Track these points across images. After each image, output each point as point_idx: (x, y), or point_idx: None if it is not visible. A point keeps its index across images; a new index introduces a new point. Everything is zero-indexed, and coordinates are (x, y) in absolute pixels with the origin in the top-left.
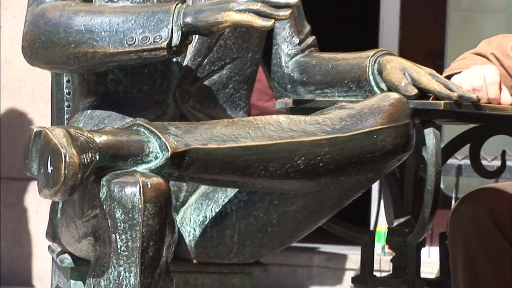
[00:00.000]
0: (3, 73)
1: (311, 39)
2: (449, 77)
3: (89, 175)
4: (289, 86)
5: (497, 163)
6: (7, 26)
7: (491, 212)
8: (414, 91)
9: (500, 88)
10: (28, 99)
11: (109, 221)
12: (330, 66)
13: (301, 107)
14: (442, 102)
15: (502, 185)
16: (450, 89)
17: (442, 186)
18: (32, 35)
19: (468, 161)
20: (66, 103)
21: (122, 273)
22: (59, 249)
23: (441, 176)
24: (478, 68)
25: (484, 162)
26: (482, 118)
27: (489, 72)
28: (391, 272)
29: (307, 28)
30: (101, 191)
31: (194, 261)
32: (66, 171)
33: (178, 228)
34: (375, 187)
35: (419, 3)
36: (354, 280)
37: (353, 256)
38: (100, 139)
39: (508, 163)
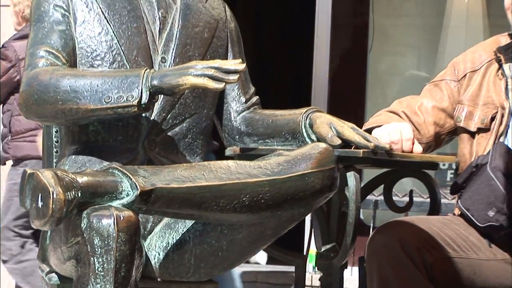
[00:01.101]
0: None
1: (255, 98)
2: (369, 130)
3: (73, 209)
4: (237, 137)
5: (407, 199)
6: None
7: (401, 240)
8: (338, 141)
9: (413, 142)
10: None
11: (88, 247)
12: (271, 120)
13: (246, 154)
14: (361, 150)
15: (410, 218)
16: (368, 140)
17: (362, 217)
18: (27, 94)
19: (383, 198)
20: (54, 149)
21: None
22: (48, 269)
23: (361, 210)
24: (396, 124)
25: (395, 198)
26: (393, 163)
27: (405, 129)
28: None
29: (252, 89)
30: (82, 222)
31: (159, 279)
32: (53, 206)
33: (146, 252)
34: (308, 218)
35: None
36: None
37: (290, 274)
38: (82, 179)
39: (416, 199)
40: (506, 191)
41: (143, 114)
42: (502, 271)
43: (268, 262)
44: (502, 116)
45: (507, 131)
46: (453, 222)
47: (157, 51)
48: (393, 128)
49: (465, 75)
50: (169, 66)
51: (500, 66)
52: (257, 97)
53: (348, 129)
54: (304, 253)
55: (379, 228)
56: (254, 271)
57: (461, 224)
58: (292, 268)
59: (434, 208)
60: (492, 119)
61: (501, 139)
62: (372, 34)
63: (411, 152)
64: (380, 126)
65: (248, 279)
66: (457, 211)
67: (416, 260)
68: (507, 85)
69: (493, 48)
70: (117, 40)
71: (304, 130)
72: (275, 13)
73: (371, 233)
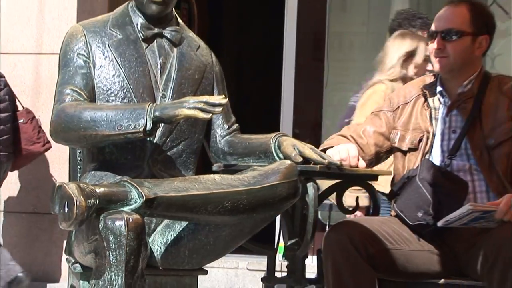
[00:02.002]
0: None
1: (235, 125)
2: (324, 150)
3: (92, 213)
4: (221, 156)
5: (354, 203)
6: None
7: (349, 236)
8: (300, 159)
9: (358, 159)
10: (55, 164)
11: (104, 243)
12: (247, 143)
13: (228, 169)
14: (318, 166)
15: (357, 218)
16: (323, 158)
17: (319, 217)
18: (56, 123)
19: (335, 202)
20: (78, 166)
21: (113, 276)
22: (73, 260)
23: (318, 212)
24: (344, 145)
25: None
26: (343, 176)
27: (351, 148)
28: (287, 274)
29: (233, 118)
30: (99, 223)
31: (160, 268)
32: (77, 211)
33: (150, 247)
34: (277, 219)
35: (305, 103)
36: (263, 279)
37: (264, 262)
38: (99, 190)
39: (360, 203)
40: (431, 197)
41: (148, 139)
42: (428, 259)
43: (247, 253)
44: (428, 138)
45: (431, 150)
46: (390, 221)
47: (159, 89)
48: (342, 148)
49: (398, 106)
50: (167, 101)
51: (426, 100)
52: (237, 124)
53: (308, 149)
54: (275, 246)
55: (332, 226)
56: (236, 259)
57: (396, 223)
58: (265, 258)
59: (375, 211)
60: (420, 140)
61: (427, 156)
62: (327, 74)
63: (357, 167)
64: (333, 147)
65: (231, 266)
66: (393, 213)
67: (362, 252)
68: (431, 114)
69: (420, 86)
70: (127, 81)
71: (273, 150)
72: (253, 58)
73: (326, 230)
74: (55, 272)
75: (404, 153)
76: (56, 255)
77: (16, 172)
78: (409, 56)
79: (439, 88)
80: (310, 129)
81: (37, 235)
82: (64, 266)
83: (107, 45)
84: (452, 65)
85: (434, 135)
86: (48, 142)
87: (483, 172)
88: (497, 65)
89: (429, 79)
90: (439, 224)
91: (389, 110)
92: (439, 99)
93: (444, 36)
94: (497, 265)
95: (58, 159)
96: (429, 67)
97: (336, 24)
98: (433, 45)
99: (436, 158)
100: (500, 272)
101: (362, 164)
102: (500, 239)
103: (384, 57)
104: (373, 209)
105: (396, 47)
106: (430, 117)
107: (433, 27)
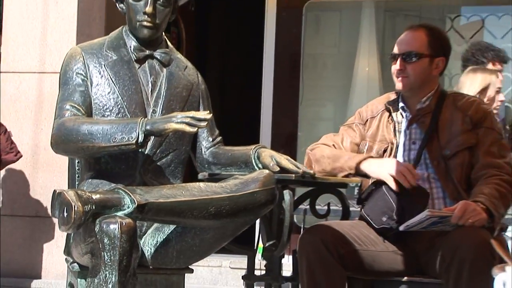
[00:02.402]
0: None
1: (219, 138)
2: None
3: (89, 218)
4: (206, 166)
5: (326, 208)
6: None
7: (322, 238)
8: (277, 169)
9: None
10: (56, 173)
11: (100, 244)
12: (230, 154)
13: (213, 178)
14: (294, 175)
15: (328, 222)
16: (298, 167)
17: (295, 220)
18: (57, 136)
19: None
20: (76, 175)
21: (108, 275)
22: (71, 260)
23: (294, 216)
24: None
25: (318, 207)
26: (316, 184)
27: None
28: (265, 272)
29: (217, 132)
30: (95, 227)
31: (151, 267)
32: (75, 216)
33: (141, 248)
34: (256, 222)
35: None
36: (243, 277)
37: (245, 261)
38: (95, 196)
39: (332, 208)
40: (395, 204)
41: (140, 150)
42: (392, 259)
43: (229, 253)
44: (392, 149)
45: None
46: (358, 225)
47: (150, 105)
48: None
49: (367, 120)
50: (158, 116)
51: (390, 114)
52: (221, 137)
53: (284, 160)
54: (254, 247)
55: (307, 229)
56: (220, 259)
57: (364, 226)
58: (245, 257)
59: (345, 215)
60: (385, 151)
61: None
62: (302, 91)
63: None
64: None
65: (215, 264)
66: (361, 217)
67: (333, 252)
68: (395, 127)
69: (385, 102)
70: (121, 98)
71: (253, 161)
72: (235, 77)
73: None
74: (55, 270)
75: None
76: (56, 255)
77: (21, 180)
78: (482, 91)
79: (401, 104)
80: (286, 141)
81: (39, 237)
82: (63, 265)
83: (103, 65)
84: (412, 84)
85: (397, 146)
86: (19, 152)
87: (440, 180)
88: (454, 83)
89: (392, 96)
90: (401, 228)
91: (360, 122)
92: (401, 114)
93: (404, 58)
94: (453, 264)
95: (58, 168)
96: (501, 97)
97: (311, 46)
98: (395, 66)
99: None
100: (456, 270)
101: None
102: (456, 241)
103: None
104: (343, 213)
105: (469, 83)
106: (394, 130)
107: (395, 50)
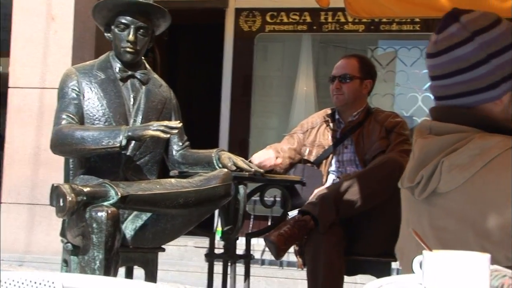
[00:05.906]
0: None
1: (187, 142)
2: (250, 161)
3: (80, 206)
4: (176, 165)
5: (272, 199)
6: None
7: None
8: (234, 168)
9: (274, 159)
10: (54, 169)
11: (89, 228)
12: (196, 155)
13: (182, 175)
14: (247, 173)
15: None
16: (251, 167)
17: (247, 209)
18: (55, 140)
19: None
20: (71, 171)
21: (96, 253)
22: (66, 241)
23: (246, 206)
24: (263, 151)
25: (266, 199)
26: (265, 180)
27: (268, 153)
28: (223, 251)
29: (185, 137)
30: (86, 214)
31: (130, 246)
32: (69, 205)
33: (123, 231)
34: (216, 211)
35: (237, 126)
36: (205, 255)
37: (207, 242)
38: (86, 189)
39: (278, 199)
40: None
41: (122, 152)
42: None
43: (194, 234)
44: (328, 152)
45: (331, 161)
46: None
47: (131, 116)
48: (262, 153)
49: (307, 129)
50: (137, 124)
51: (328, 125)
52: (188, 142)
53: (240, 161)
54: (214, 230)
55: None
56: (186, 240)
57: None
58: (207, 239)
59: (286, 205)
60: (322, 154)
61: (328, 167)
62: (254, 105)
63: (274, 166)
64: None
65: (182, 244)
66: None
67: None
68: (331, 135)
69: (323, 115)
70: (108, 109)
71: (215, 161)
72: (200, 93)
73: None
74: (52, 249)
75: (312, 164)
76: (53, 236)
77: (25, 175)
78: None
79: (336, 116)
80: (240, 145)
81: (39, 221)
82: (59, 245)
83: (93, 83)
84: (346, 100)
85: (332, 150)
86: None
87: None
88: (374, 101)
89: (329, 110)
90: None
91: (301, 132)
92: (336, 125)
93: (341, 79)
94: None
95: (56, 166)
96: None
97: (260, 70)
98: (333, 86)
99: (334, 167)
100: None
101: (278, 161)
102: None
103: None
104: (284, 208)
105: None
106: (331, 137)
107: (333, 73)
